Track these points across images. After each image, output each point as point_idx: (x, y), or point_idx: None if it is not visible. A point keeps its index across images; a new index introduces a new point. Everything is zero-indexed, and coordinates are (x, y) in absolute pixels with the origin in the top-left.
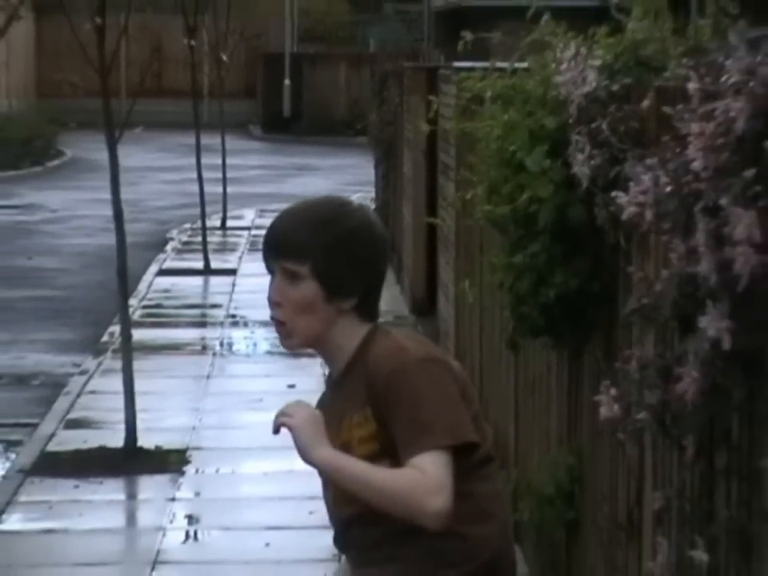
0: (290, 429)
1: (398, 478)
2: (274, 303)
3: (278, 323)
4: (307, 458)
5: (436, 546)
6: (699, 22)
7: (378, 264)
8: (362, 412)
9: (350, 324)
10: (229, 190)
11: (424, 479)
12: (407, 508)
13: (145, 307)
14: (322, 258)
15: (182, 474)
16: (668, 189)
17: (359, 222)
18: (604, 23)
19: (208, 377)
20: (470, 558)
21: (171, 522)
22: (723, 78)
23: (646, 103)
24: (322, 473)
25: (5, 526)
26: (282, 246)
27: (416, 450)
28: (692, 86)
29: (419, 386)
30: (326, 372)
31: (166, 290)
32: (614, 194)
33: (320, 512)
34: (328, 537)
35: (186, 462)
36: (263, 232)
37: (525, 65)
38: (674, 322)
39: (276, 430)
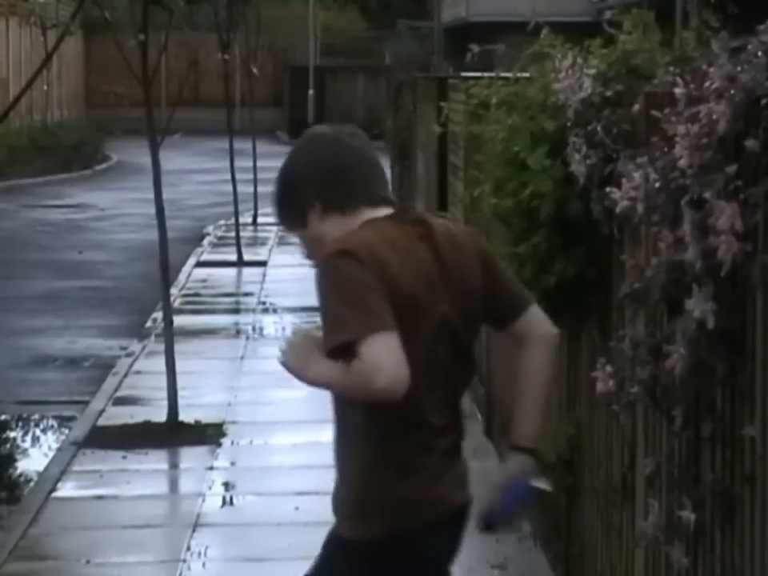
0: (284, 365)
1: (348, 374)
2: None
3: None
4: (303, 380)
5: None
6: (684, 34)
7: (335, 161)
8: None
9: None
10: (259, 189)
11: (361, 368)
12: (367, 396)
13: (184, 296)
14: None
15: (219, 445)
16: (657, 184)
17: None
18: (598, 36)
19: (242, 358)
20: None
21: (210, 488)
22: (707, 84)
23: (636, 107)
24: None
25: (60, 493)
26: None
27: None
28: (678, 91)
29: (325, 284)
30: None
31: (204, 280)
32: (608, 189)
33: None
34: None
35: (223, 434)
36: None
37: (526, 74)
38: (663, 304)
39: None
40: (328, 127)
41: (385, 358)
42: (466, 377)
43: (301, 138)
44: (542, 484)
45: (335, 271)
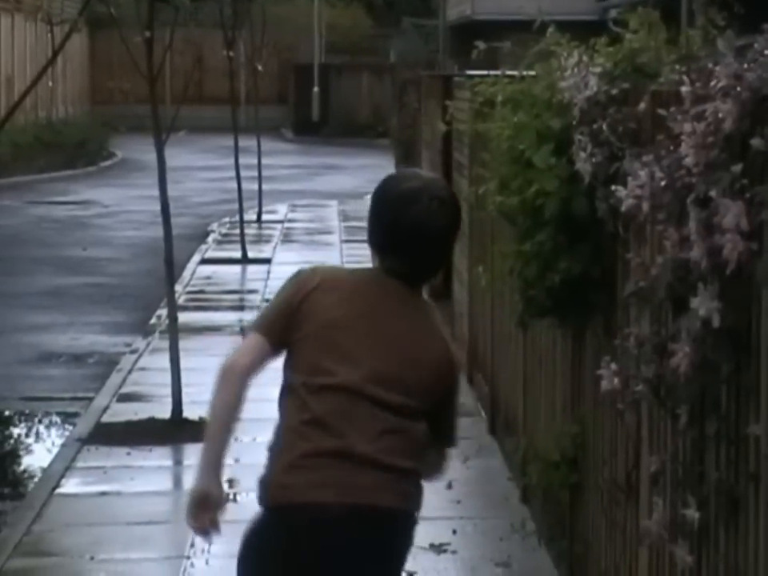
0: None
1: None
2: None
3: None
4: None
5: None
6: (690, 33)
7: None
8: None
9: None
10: (264, 187)
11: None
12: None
13: (189, 293)
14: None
15: None
16: (663, 183)
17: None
18: (603, 34)
19: None
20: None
21: None
22: (713, 83)
23: (642, 106)
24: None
25: (64, 490)
26: None
27: None
28: (684, 89)
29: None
30: None
31: (208, 277)
32: (613, 188)
33: None
34: None
35: None
36: (295, 225)
37: (532, 72)
38: (668, 302)
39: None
40: (413, 182)
41: (241, 348)
42: (387, 411)
43: (387, 179)
44: None
45: (286, 282)
